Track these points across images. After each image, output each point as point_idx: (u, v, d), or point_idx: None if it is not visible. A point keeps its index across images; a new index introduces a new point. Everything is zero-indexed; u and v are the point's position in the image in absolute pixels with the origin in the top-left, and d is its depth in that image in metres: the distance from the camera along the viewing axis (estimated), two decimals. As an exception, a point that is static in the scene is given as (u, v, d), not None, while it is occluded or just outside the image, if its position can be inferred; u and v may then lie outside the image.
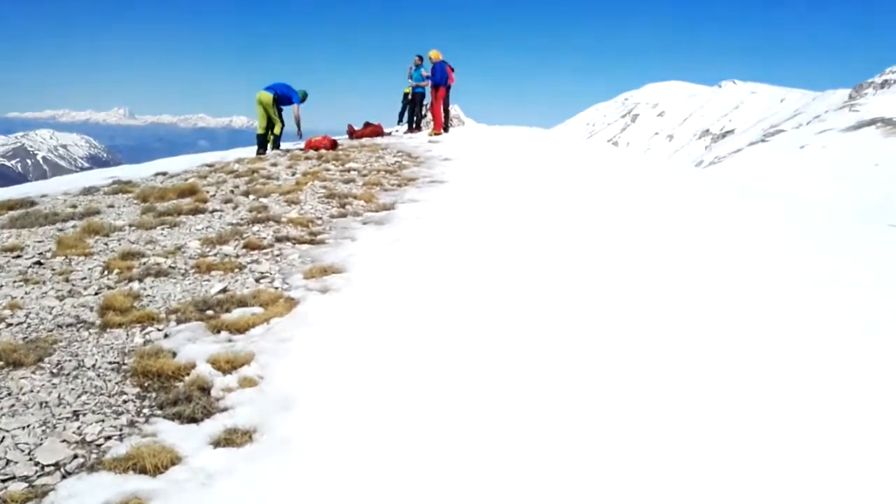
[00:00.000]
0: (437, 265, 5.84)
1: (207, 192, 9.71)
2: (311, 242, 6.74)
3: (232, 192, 9.71)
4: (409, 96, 20.49)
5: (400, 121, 20.85)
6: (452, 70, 18.59)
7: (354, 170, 11.40)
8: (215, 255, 6.27)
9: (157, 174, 12.82)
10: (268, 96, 14.44)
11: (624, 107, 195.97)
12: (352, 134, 18.55)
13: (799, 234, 8.83)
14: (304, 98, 14.78)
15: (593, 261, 6.16)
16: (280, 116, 14.70)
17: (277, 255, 6.29)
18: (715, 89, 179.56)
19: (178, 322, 4.75)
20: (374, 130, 18.56)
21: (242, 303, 5.05)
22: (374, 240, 6.75)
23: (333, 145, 14.83)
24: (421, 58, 19.01)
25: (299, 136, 14.80)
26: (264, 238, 6.84)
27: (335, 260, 6.06)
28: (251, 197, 9.10)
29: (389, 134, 19.33)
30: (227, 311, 4.94)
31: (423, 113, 20.02)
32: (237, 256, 6.23)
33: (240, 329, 4.63)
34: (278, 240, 6.78)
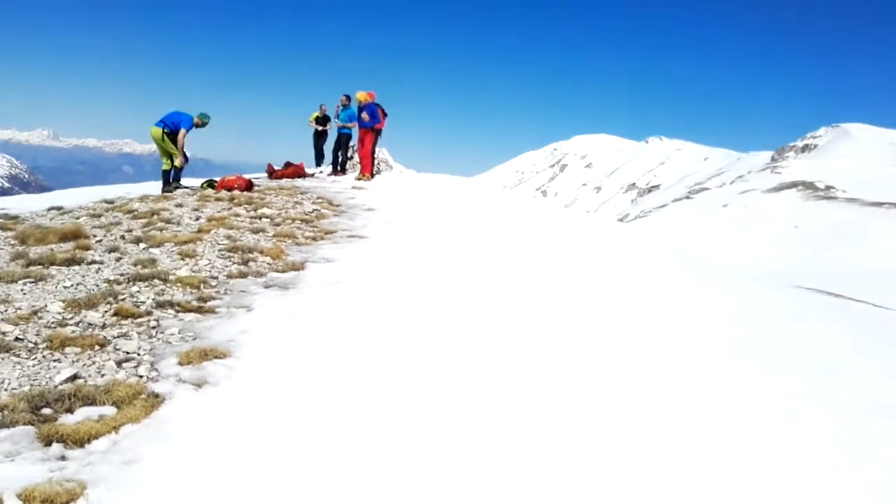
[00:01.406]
0: (341, 351, 4.91)
1: (94, 236, 8.60)
2: (199, 311, 5.71)
3: (122, 237, 8.59)
4: (320, 136, 20.19)
5: (317, 163, 20.19)
6: (385, 115, 17.88)
7: (267, 217, 10.39)
8: (77, 324, 5.18)
9: (50, 209, 11.60)
10: (157, 131, 13.42)
11: (553, 156, 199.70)
12: (272, 174, 17.51)
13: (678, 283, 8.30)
14: (201, 123, 13.69)
15: (505, 330, 5.37)
16: (180, 149, 13.60)
17: (154, 328, 5.24)
18: (642, 144, 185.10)
19: (1, 425, 3.68)
20: (295, 171, 17.56)
21: (91, 399, 3.99)
22: (273, 311, 5.77)
23: (249, 186, 13.79)
24: (348, 97, 18.30)
25: (179, 165, 13.61)
26: (142, 303, 5.78)
27: (222, 338, 5.06)
28: (141, 245, 8.00)
29: (312, 175, 18.39)
30: (70, 410, 3.88)
31: (350, 155, 19.24)
32: (103, 327, 5.16)
33: (79, 440, 3.58)
34: (159, 305, 5.73)
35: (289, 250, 8.23)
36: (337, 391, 4.28)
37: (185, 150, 13.70)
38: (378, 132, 17.78)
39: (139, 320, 5.36)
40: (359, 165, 18.83)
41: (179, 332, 5.17)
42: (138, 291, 6.10)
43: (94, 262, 7.09)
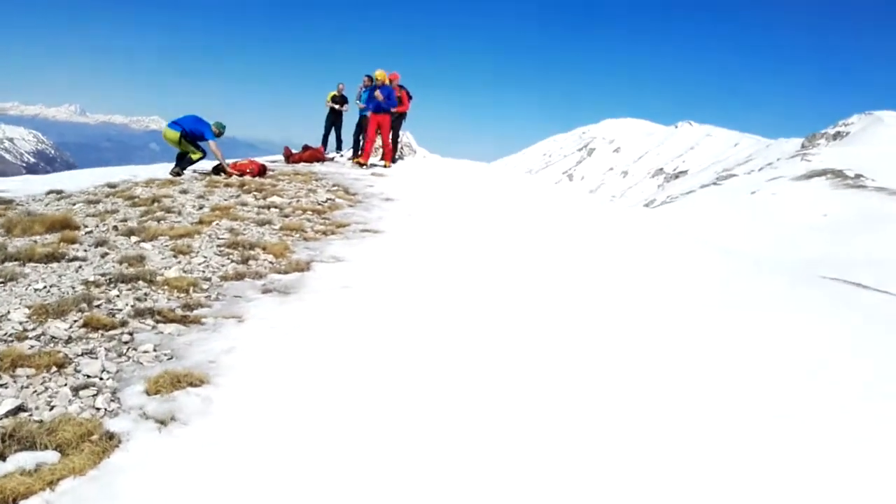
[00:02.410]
0: (339, 380, 4.12)
1: (85, 226, 7.92)
2: (182, 321, 4.97)
3: (115, 228, 7.90)
4: (336, 117, 19.12)
5: (326, 138, 19.13)
6: (410, 97, 17.04)
7: (276, 207, 9.65)
8: (38, 337, 4.46)
9: (49, 192, 10.97)
10: (173, 133, 12.76)
11: (581, 140, 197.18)
12: (288, 157, 16.77)
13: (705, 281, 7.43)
14: (219, 133, 13.03)
15: (524, 346, 4.59)
16: (198, 147, 13.00)
17: (126, 343, 4.51)
18: (671, 129, 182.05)
19: None
20: (312, 155, 16.79)
21: (30, 442, 3.26)
22: (267, 323, 5.01)
23: (262, 171, 13.07)
24: (371, 78, 17.41)
25: (227, 172, 12.89)
26: (118, 310, 5.06)
27: (202, 358, 4.31)
28: (133, 238, 7.30)
29: (332, 159, 17.62)
30: (1, 457, 3.18)
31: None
32: (68, 341, 4.44)
33: (3, 501, 2.89)
34: (138, 314, 5.00)
35: (295, 246, 7.48)
36: (331, 435, 3.52)
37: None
38: (401, 116, 16.99)
39: (111, 332, 4.64)
40: (380, 150, 18.06)
41: (154, 350, 4.43)
42: (117, 296, 5.39)
43: (76, 258, 6.38)
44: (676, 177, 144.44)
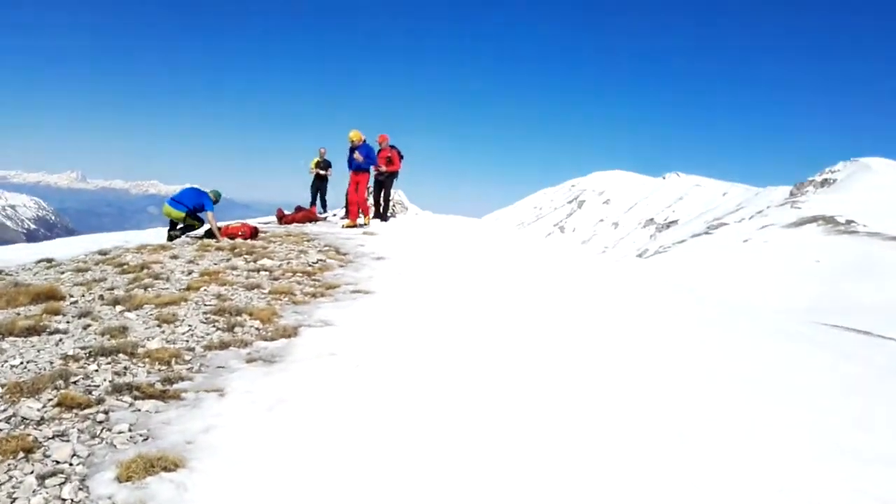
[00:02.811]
0: (323, 462, 3.90)
1: (70, 296, 7.77)
2: (162, 396, 4.75)
3: (101, 297, 7.73)
4: (321, 181, 19.29)
5: (313, 202, 19.19)
6: (401, 157, 17.07)
7: (266, 270, 9.49)
8: (8, 419, 4.24)
9: (39, 261, 10.83)
10: (178, 213, 13.06)
11: (570, 193, 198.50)
12: (281, 218, 16.71)
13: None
14: (216, 200, 13.46)
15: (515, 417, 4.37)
16: (198, 218, 13.32)
17: (101, 422, 4.28)
18: (659, 180, 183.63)
19: None
20: (305, 215, 16.75)
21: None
22: (250, 397, 4.79)
23: (254, 234, 12.96)
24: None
25: (219, 239, 12.86)
26: (95, 387, 4.85)
27: (179, 438, 4.08)
28: (118, 308, 7.12)
29: (324, 219, 17.56)
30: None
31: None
32: (39, 423, 4.22)
33: None
34: (115, 389, 4.78)
35: (283, 311, 7.30)
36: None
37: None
38: (392, 175, 16.98)
39: (86, 411, 4.41)
40: (372, 209, 18.00)
41: (130, 429, 4.20)
42: (96, 370, 5.18)
43: (56, 331, 6.19)
44: (667, 226, 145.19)
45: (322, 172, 19.06)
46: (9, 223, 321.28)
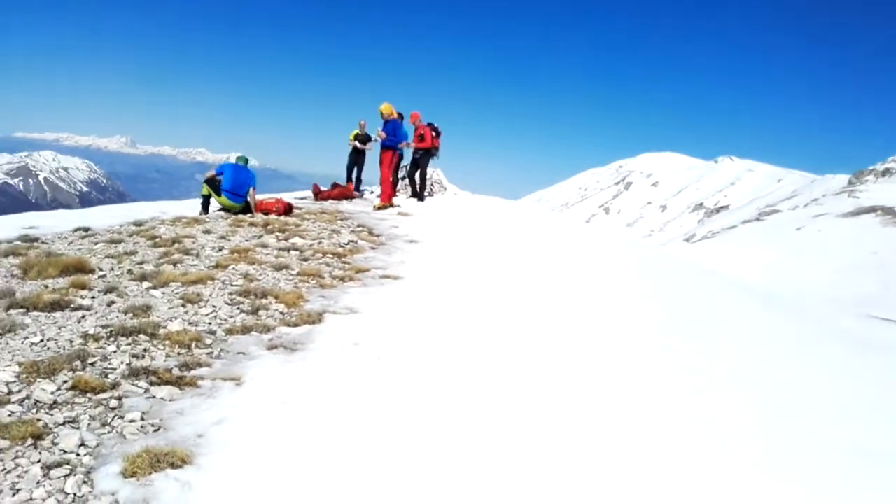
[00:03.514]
0: (338, 462, 3.78)
1: (100, 269, 7.76)
2: (178, 383, 4.67)
3: (130, 272, 7.73)
4: (360, 155, 18.40)
5: (349, 179, 18.38)
6: (438, 134, 16.76)
7: (296, 249, 9.43)
8: (21, 401, 4.20)
9: (76, 230, 10.92)
10: (237, 206, 13.00)
11: (618, 174, 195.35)
12: (317, 194, 16.64)
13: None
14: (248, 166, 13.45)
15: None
16: (256, 207, 13.20)
17: (113, 409, 4.22)
18: (711, 163, 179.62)
19: None
20: (341, 192, 16.65)
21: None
22: (267, 387, 4.69)
23: (288, 210, 12.92)
24: (401, 115, 17.14)
25: (254, 214, 12.82)
26: (112, 370, 4.80)
27: (189, 431, 3.99)
28: (144, 285, 7.10)
29: (361, 196, 17.43)
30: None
31: (402, 175, 18.12)
32: (51, 407, 4.18)
33: None
34: (132, 373, 4.73)
35: (309, 295, 7.20)
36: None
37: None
38: (427, 153, 16.65)
39: (100, 397, 4.36)
40: (408, 188, 17.81)
41: (142, 418, 4.13)
42: (115, 352, 5.13)
43: (80, 307, 6.17)
44: (717, 211, 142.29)
45: (360, 146, 18.19)
46: (62, 185, 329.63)
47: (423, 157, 16.75)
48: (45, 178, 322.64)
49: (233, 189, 12.96)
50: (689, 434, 4.46)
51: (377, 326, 6.24)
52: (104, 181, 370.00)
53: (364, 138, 18.05)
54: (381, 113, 15.57)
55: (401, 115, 17.11)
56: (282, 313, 6.50)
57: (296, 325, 6.17)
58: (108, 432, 3.96)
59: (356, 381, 4.90)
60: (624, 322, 7.52)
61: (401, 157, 17.42)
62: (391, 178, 16.08)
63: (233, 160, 13.53)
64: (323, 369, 5.09)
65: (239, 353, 5.39)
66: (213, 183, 13.03)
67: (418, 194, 17.08)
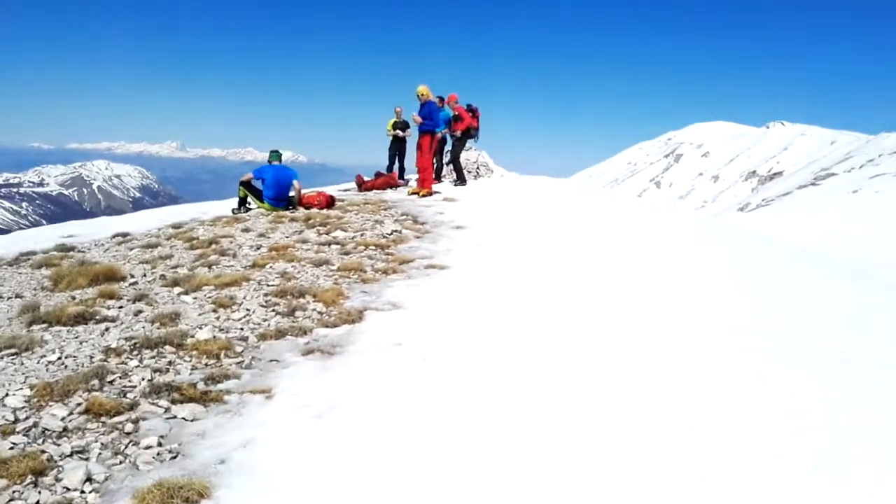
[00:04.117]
0: (372, 491, 3.22)
1: (131, 276, 7.39)
2: (202, 399, 4.18)
3: (162, 276, 7.33)
4: (401, 143, 17.94)
5: (389, 170, 17.89)
6: (475, 114, 16.06)
7: (337, 243, 8.93)
8: (28, 430, 3.76)
9: (114, 236, 10.67)
10: (277, 211, 12.23)
11: (667, 146, 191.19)
12: (361, 185, 16.19)
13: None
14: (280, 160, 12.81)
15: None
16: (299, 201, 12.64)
17: (129, 433, 3.74)
18: (762, 130, 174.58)
19: None
20: (385, 181, 16.17)
21: None
22: (300, 398, 4.15)
23: (330, 203, 12.46)
24: (442, 99, 16.48)
25: (296, 209, 12.33)
26: (132, 388, 4.33)
27: (212, 455, 3.47)
28: (176, 290, 6.67)
29: (406, 184, 16.89)
30: None
31: (447, 161, 17.46)
32: (60, 435, 3.72)
33: None
34: (154, 390, 4.25)
35: (350, 291, 6.67)
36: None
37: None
38: (464, 135, 15.94)
39: (115, 420, 3.89)
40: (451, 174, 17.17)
41: (159, 443, 3.64)
42: (137, 366, 4.68)
43: (105, 318, 5.77)
44: (771, 178, 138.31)
45: (401, 134, 17.67)
46: (115, 192, 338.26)
47: (460, 139, 16.07)
48: (98, 187, 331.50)
49: (277, 195, 12.43)
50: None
51: (422, 323, 5.68)
52: (156, 186, 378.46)
53: (402, 125, 17.54)
54: (418, 95, 14.64)
55: (441, 100, 16.47)
56: (320, 313, 5.99)
57: (335, 325, 5.65)
58: (120, 462, 3.48)
59: (399, 388, 4.33)
60: (694, 312, 6.81)
61: (443, 142, 16.81)
62: (434, 164, 15.46)
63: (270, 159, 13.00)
64: (363, 375, 4.54)
65: (272, 360, 4.88)
66: (250, 186, 12.60)
67: (460, 179, 16.41)
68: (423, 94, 14.52)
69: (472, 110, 16.20)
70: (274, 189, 12.38)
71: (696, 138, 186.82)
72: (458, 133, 15.79)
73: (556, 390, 4.26)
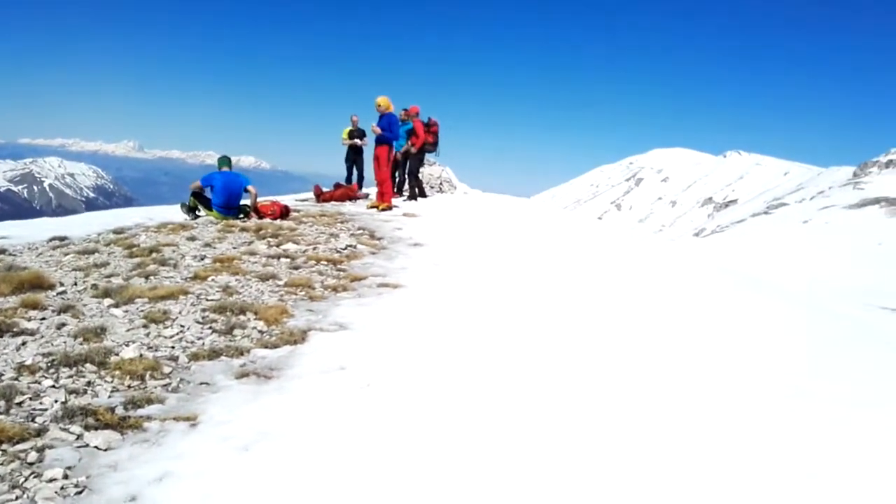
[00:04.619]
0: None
1: (60, 284, 6.91)
2: (119, 426, 3.79)
3: (94, 286, 6.87)
4: (357, 152, 17.63)
5: (349, 181, 17.51)
6: (431, 128, 15.82)
7: (287, 256, 8.55)
8: (-86, 461, 3.36)
9: (51, 239, 10.09)
10: (229, 220, 11.59)
11: (629, 170, 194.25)
12: (319, 196, 15.82)
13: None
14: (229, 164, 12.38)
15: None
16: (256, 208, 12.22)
17: (31, 465, 3.33)
18: (720, 159, 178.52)
19: None
20: (344, 193, 15.82)
21: None
22: (227, 427, 3.79)
23: (284, 213, 12.06)
24: (407, 112, 16.25)
25: (250, 217, 11.89)
26: (42, 410, 3.93)
27: (121, 492, 3.07)
28: (106, 302, 6.24)
29: (366, 196, 16.54)
30: None
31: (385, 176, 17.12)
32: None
33: None
34: (66, 415, 3.84)
35: (295, 309, 6.32)
36: None
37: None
38: (420, 149, 15.69)
39: (18, 448, 3.48)
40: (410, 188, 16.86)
41: (65, 475, 3.25)
42: (52, 386, 4.27)
43: (24, 331, 5.31)
44: (726, 206, 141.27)
45: (357, 143, 17.31)
46: (68, 191, 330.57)
47: (418, 153, 15.81)
48: (50, 185, 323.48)
49: (227, 203, 11.86)
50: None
51: (368, 345, 5.36)
52: (111, 186, 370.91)
53: (359, 134, 17.26)
54: (378, 105, 14.25)
55: (406, 112, 16.24)
56: (260, 332, 5.63)
57: (275, 346, 5.29)
58: (16, 499, 3.08)
59: (337, 418, 4.00)
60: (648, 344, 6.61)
61: (407, 155, 16.49)
62: (391, 177, 15.18)
63: (242, 163, 12.55)
64: (298, 403, 4.20)
65: (202, 383, 4.51)
66: (200, 196, 12.05)
67: (414, 194, 16.13)
68: (381, 106, 14.16)
69: (430, 124, 15.96)
70: (223, 196, 11.81)
71: (656, 163, 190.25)
72: (414, 149, 15.56)
73: (503, 425, 3.97)
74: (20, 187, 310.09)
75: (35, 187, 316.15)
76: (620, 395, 4.57)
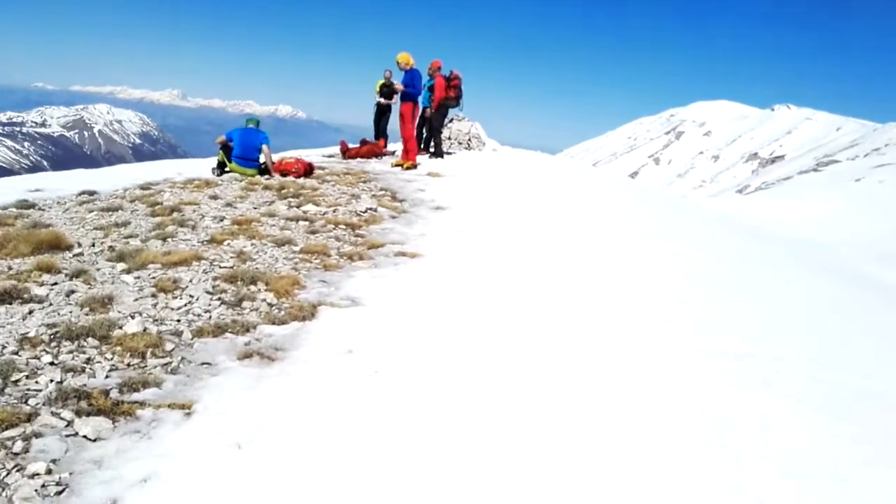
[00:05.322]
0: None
1: (78, 244, 6.86)
2: (112, 412, 3.68)
3: (111, 248, 6.81)
4: (384, 111, 17.30)
5: (376, 137, 17.19)
6: (452, 81, 15.32)
7: (307, 219, 8.41)
8: None
9: (80, 193, 10.09)
10: (252, 172, 12.00)
11: (669, 123, 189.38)
12: (345, 152, 15.59)
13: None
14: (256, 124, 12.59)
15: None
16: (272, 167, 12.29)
17: (16, 456, 3.22)
18: (767, 112, 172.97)
19: None
20: (370, 150, 15.55)
21: None
22: (223, 418, 3.64)
23: (308, 171, 11.90)
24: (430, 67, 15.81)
25: (272, 175, 11.87)
26: (37, 391, 3.84)
27: (103, 494, 2.95)
28: (118, 268, 6.15)
29: (392, 153, 16.26)
30: None
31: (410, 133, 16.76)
32: (-66, 456, 3.25)
33: None
34: (60, 397, 3.74)
35: (308, 279, 6.17)
36: None
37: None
38: (440, 105, 15.21)
39: (7, 434, 3.38)
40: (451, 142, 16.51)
41: (48, 471, 3.15)
42: (51, 363, 4.19)
43: (33, 298, 5.23)
44: (772, 161, 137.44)
45: (384, 101, 16.91)
46: (116, 137, 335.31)
47: (439, 110, 15.39)
48: (99, 131, 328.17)
49: (242, 154, 12.11)
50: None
51: (380, 325, 5.18)
52: (156, 134, 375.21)
53: (388, 92, 16.82)
54: (398, 63, 14.15)
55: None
56: (270, 305, 5.49)
57: (283, 322, 5.15)
58: (-10, 504, 3.00)
59: (340, 410, 3.84)
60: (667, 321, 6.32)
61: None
62: (418, 134, 14.91)
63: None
64: (300, 391, 4.05)
65: (203, 363, 4.39)
66: (227, 148, 12.18)
67: (440, 151, 15.78)
68: (401, 62, 14.12)
69: (451, 78, 15.42)
70: (240, 149, 12.13)
71: (698, 116, 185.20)
72: (432, 108, 15.18)
73: (521, 420, 3.79)
74: (72, 133, 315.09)
75: (86, 133, 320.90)
76: (646, 375, 4.34)
